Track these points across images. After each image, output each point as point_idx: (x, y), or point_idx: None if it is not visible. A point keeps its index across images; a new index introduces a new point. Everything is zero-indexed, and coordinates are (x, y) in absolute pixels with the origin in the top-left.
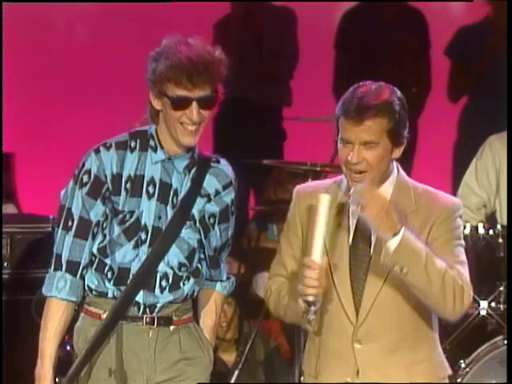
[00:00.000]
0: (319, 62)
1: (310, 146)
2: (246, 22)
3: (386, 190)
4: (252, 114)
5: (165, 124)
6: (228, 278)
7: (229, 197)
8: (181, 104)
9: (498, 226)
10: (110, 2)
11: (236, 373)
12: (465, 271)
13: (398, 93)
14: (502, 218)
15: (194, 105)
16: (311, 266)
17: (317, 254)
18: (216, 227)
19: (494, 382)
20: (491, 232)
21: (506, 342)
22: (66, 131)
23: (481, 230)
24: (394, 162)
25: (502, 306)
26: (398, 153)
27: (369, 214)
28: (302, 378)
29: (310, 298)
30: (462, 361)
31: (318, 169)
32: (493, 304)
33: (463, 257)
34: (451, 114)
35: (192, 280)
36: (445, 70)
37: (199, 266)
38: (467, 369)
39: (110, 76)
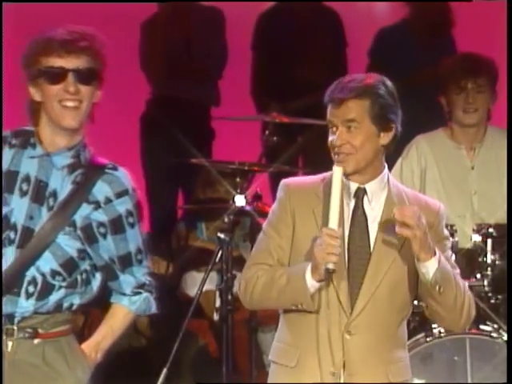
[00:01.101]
0: (247, 62)
1: (238, 145)
2: (174, 22)
3: (379, 186)
4: (180, 112)
5: (45, 116)
6: (137, 293)
7: (123, 206)
8: (55, 76)
9: None
10: (110, 2)
11: (164, 371)
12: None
13: (387, 81)
14: None
15: (70, 76)
16: (332, 234)
17: (334, 223)
18: (108, 237)
19: (415, 379)
20: None
21: (427, 339)
22: None
23: None
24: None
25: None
26: (386, 139)
27: (414, 236)
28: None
29: (331, 266)
30: None
31: (245, 168)
32: (415, 302)
33: (453, 260)
34: None
35: (65, 291)
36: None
37: (81, 277)
38: None
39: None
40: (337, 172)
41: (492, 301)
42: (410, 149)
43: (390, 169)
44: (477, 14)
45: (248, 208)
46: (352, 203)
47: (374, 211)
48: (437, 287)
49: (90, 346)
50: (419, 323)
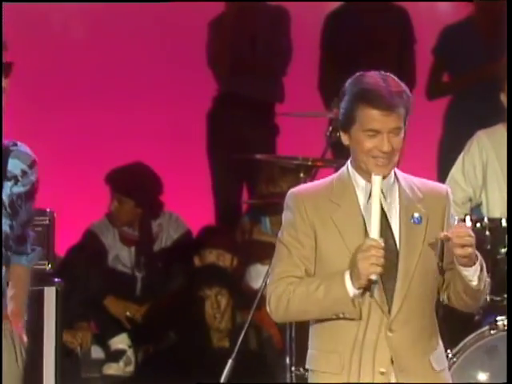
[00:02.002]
0: (311, 60)
1: (302, 141)
2: (240, 21)
3: (390, 181)
4: (245, 109)
5: None
6: (33, 250)
7: (34, 175)
8: None
9: (485, 219)
10: (110, 2)
11: (229, 362)
12: None
13: None
14: (488, 212)
15: None
16: (376, 245)
17: (376, 233)
18: (23, 207)
19: (479, 371)
20: (478, 225)
21: (492, 332)
22: (63, 129)
23: (468, 223)
24: None
25: (488, 297)
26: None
27: (464, 253)
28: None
29: (374, 277)
30: (448, 351)
31: (309, 163)
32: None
33: None
34: (435, 111)
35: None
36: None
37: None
38: (454, 359)
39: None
40: (376, 180)
41: None
42: (472, 144)
43: (452, 164)
44: None
45: None
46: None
47: (392, 207)
48: (477, 288)
49: (17, 315)
50: (483, 316)
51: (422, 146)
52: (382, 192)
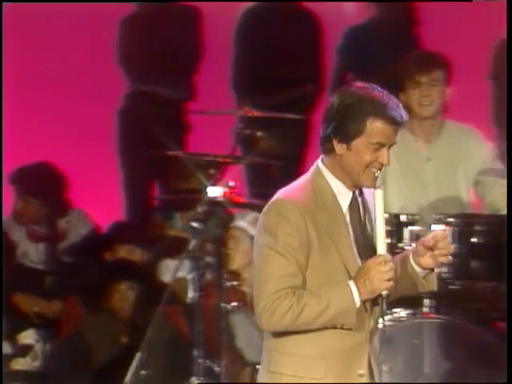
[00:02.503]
0: (222, 58)
1: (212, 138)
2: (151, 20)
3: None
4: (156, 107)
5: None
6: None
7: None
8: None
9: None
10: (111, 2)
11: (138, 355)
12: None
13: None
14: (388, 207)
15: None
16: (385, 261)
17: (382, 249)
18: None
19: None
20: None
21: (387, 323)
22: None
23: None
24: None
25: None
26: None
27: (435, 260)
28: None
29: (385, 292)
30: None
31: (219, 160)
32: None
33: None
34: None
35: None
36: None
37: None
38: None
39: (17, 74)
40: (379, 195)
41: (451, 287)
42: None
43: None
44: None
45: (221, 198)
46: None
47: (362, 208)
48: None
49: None
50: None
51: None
52: (362, 203)
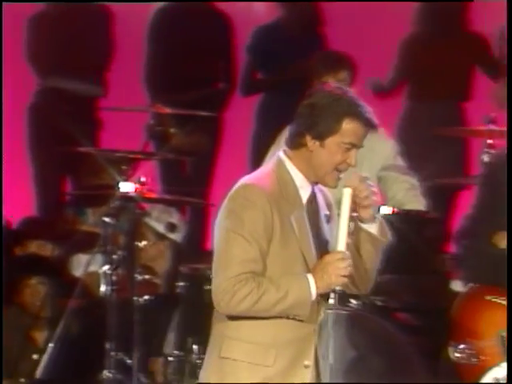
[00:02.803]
0: (135, 56)
1: (124, 134)
2: (62, 19)
3: None
4: (68, 103)
5: None
6: None
7: None
8: None
9: None
10: (111, 2)
11: (49, 348)
12: None
13: None
14: None
15: None
16: (344, 258)
17: (343, 246)
18: None
19: None
20: None
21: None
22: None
23: None
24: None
25: None
26: None
27: (365, 207)
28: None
29: (339, 288)
30: None
31: (131, 156)
32: None
33: None
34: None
35: None
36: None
37: None
38: None
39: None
40: (347, 194)
41: None
42: (281, 137)
43: (263, 158)
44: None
45: (133, 194)
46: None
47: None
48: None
49: None
50: None
51: (238, 141)
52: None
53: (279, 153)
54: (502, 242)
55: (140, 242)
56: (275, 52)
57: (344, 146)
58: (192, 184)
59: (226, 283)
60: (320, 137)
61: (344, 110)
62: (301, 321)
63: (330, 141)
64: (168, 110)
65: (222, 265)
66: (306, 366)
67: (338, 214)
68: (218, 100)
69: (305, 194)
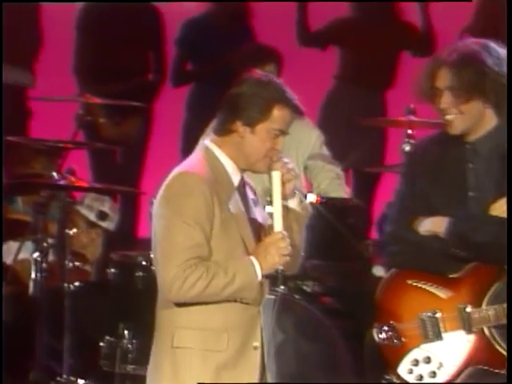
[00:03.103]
0: (64, 45)
1: (54, 123)
2: None
3: None
4: None
5: None
6: None
7: None
8: None
9: None
10: (111, 2)
11: None
12: None
13: None
14: None
15: None
16: (283, 237)
17: (280, 226)
18: None
19: None
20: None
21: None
22: None
23: None
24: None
25: None
26: None
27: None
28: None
29: (281, 268)
30: None
31: (61, 145)
32: None
33: None
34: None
35: None
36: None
37: None
38: None
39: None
40: (276, 177)
41: None
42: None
43: (194, 147)
44: None
45: (63, 182)
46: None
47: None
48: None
49: None
50: None
51: (169, 131)
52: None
53: (205, 141)
54: (421, 228)
55: (71, 229)
56: (203, 44)
57: (273, 133)
58: (123, 173)
59: (175, 270)
60: (250, 123)
61: (274, 97)
62: (247, 303)
63: (261, 127)
64: (97, 100)
65: (168, 254)
66: (256, 348)
67: (269, 200)
68: (148, 90)
69: (235, 179)
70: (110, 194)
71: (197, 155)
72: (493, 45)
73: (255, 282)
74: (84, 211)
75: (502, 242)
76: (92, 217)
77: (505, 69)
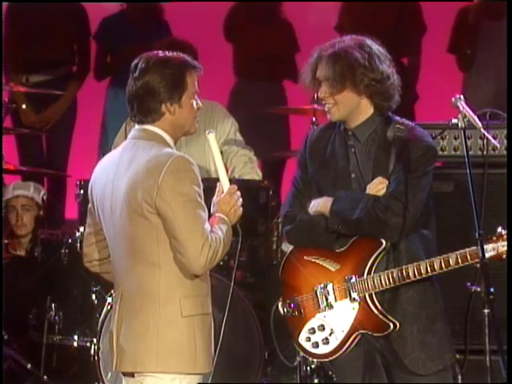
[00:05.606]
0: None
1: None
2: None
3: None
4: None
5: None
6: None
7: None
8: None
9: None
10: (111, 2)
11: None
12: None
13: None
14: None
15: None
16: (235, 191)
17: (227, 182)
18: None
19: None
20: None
21: None
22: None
23: None
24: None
25: None
26: None
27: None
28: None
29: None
30: None
31: None
32: None
33: None
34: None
35: None
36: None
37: None
38: None
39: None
40: (212, 138)
41: None
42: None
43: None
44: None
45: None
46: None
47: None
48: None
49: None
50: None
51: (92, 117)
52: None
53: (150, 129)
54: (310, 209)
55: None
56: (121, 39)
57: (193, 96)
58: (50, 157)
59: (203, 239)
60: (176, 99)
61: (181, 66)
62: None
63: (184, 98)
64: (21, 89)
65: (192, 226)
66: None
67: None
68: (70, 81)
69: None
70: (37, 178)
71: (157, 146)
72: (368, 42)
73: (231, 235)
74: (29, 196)
75: (375, 217)
76: (36, 202)
77: (375, 63)
